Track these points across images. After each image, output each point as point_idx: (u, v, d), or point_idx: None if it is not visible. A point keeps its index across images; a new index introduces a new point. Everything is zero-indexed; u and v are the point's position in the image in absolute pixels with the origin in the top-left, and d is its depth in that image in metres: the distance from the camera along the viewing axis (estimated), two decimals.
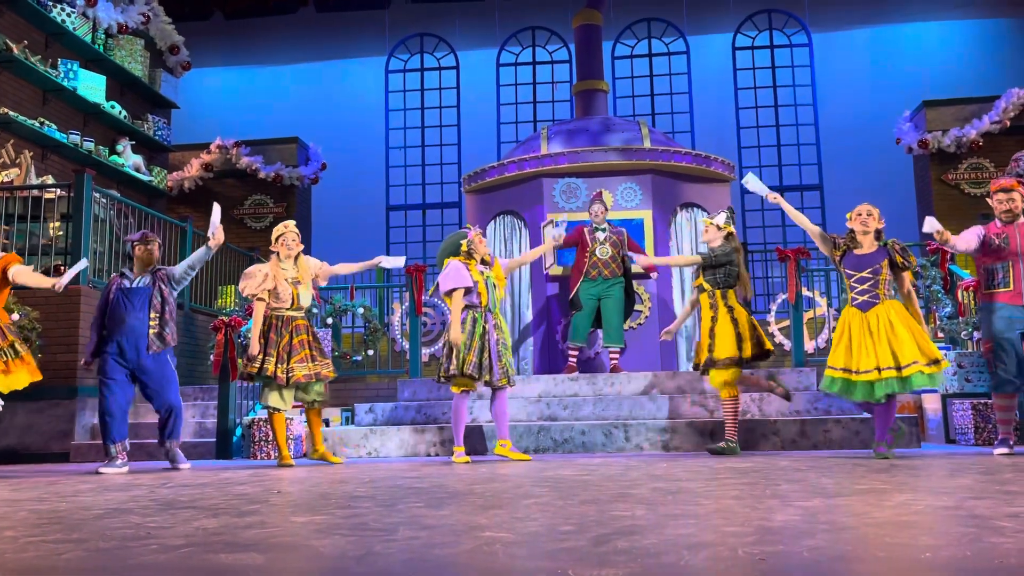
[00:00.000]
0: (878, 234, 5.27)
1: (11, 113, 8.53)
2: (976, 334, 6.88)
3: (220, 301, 9.13)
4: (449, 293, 5.67)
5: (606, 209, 7.61)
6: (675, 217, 8.55)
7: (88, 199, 7.20)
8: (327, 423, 7.57)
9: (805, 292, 8.68)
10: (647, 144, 8.55)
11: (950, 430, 6.67)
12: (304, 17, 14.02)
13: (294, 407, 5.98)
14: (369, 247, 12.49)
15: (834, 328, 5.49)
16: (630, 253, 7.27)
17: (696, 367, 5.87)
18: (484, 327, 5.66)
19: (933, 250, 7.69)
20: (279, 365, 5.71)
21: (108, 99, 10.06)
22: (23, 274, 5.56)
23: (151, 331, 5.59)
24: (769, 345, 5.69)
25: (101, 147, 9.95)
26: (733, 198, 9.38)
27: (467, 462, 5.50)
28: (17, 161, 8.34)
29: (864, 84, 13.06)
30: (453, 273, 5.69)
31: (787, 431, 6.14)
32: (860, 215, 5.26)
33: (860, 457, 5.17)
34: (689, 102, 13.59)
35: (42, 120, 9.00)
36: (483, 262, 5.85)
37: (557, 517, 2.69)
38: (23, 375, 5.40)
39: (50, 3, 9.23)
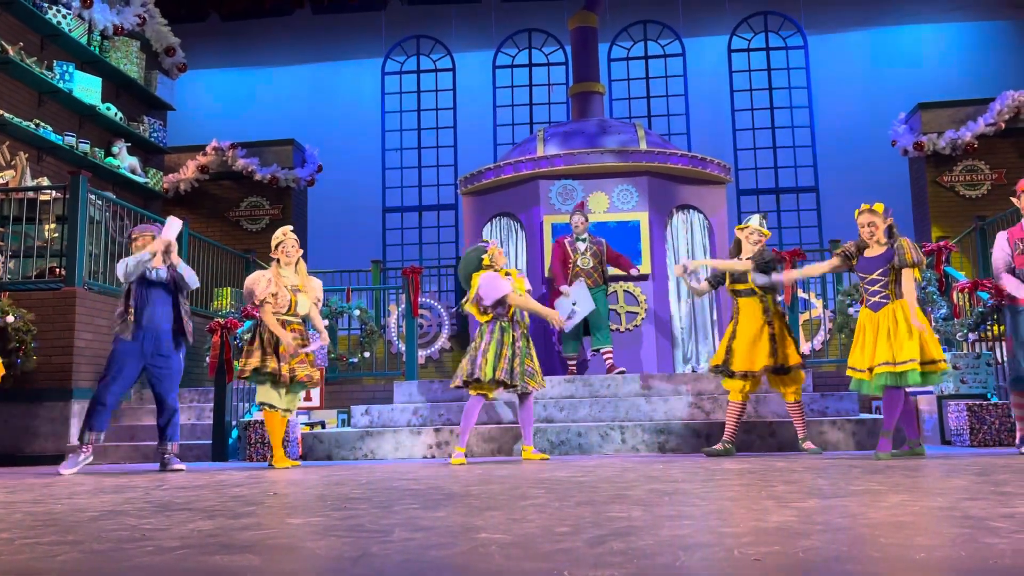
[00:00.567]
0: (890, 231, 5.23)
1: (6, 115, 8.51)
2: (972, 335, 6.90)
3: (216, 303, 9.11)
4: (501, 301, 5.71)
5: (587, 220, 7.62)
6: (671, 219, 8.56)
7: (84, 201, 7.19)
8: (323, 425, 7.58)
9: (801, 294, 8.69)
10: (643, 146, 8.57)
11: (945, 431, 6.68)
12: (300, 19, 14.00)
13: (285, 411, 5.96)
14: (365, 249, 12.52)
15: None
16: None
17: (715, 368, 5.83)
18: (513, 335, 5.74)
19: (928, 252, 7.70)
20: (282, 364, 5.74)
21: (104, 101, 10.04)
22: None
23: (174, 325, 5.75)
24: (795, 359, 5.68)
25: (97, 149, 9.92)
26: (728, 200, 9.39)
27: (463, 464, 5.50)
28: (12, 163, 8.32)
29: (859, 86, 13.08)
30: (493, 282, 5.74)
31: (783, 432, 6.15)
32: (863, 227, 5.24)
33: (856, 458, 5.18)
34: (685, 104, 13.59)
35: (37, 122, 8.98)
36: (505, 273, 5.90)
37: (553, 518, 2.69)
38: None
39: (46, 5, 9.21)
